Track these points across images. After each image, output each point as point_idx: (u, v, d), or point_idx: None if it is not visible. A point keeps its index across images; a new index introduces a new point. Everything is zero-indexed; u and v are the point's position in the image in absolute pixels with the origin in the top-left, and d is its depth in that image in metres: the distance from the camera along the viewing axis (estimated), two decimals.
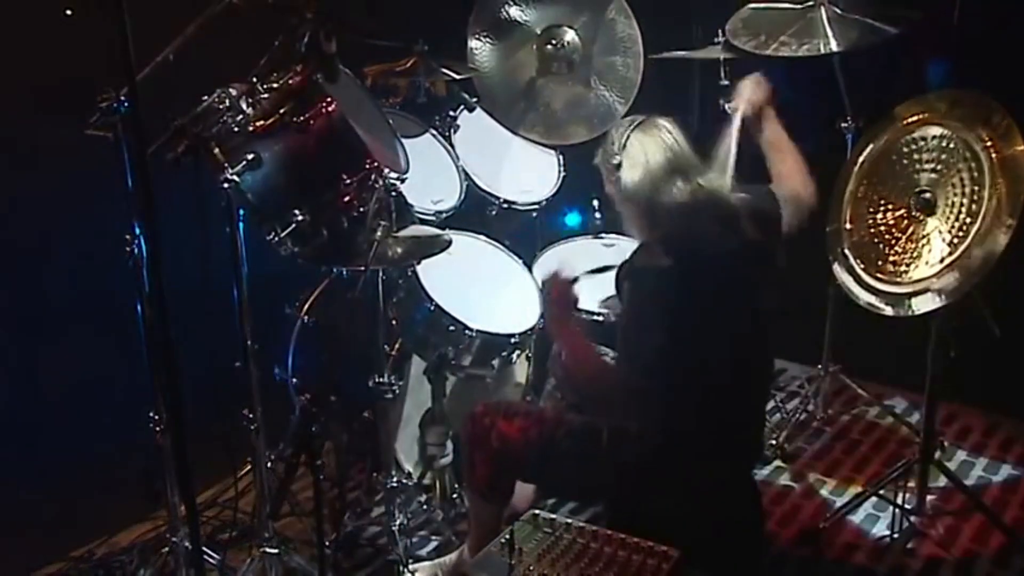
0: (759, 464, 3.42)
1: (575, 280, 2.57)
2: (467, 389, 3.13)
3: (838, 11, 3.19)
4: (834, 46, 3.09)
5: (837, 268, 2.86)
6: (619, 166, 2.42)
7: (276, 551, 2.67)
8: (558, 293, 2.53)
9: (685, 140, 2.44)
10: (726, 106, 3.57)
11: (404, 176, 2.75)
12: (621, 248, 3.26)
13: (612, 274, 3.13)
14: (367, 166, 2.47)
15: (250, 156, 2.35)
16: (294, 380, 3.07)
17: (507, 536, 2.02)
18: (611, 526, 2.17)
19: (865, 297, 2.79)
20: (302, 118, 2.40)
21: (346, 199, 2.47)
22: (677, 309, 2.29)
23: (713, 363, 2.32)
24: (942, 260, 2.64)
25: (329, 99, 2.43)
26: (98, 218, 2.48)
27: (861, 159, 2.85)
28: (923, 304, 2.65)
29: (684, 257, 2.33)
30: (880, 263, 2.77)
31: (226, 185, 2.32)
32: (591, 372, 2.50)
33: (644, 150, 2.41)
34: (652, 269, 2.35)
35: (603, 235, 3.35)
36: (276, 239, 2.42)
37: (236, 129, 2.37)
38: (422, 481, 3.10)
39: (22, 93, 2.77)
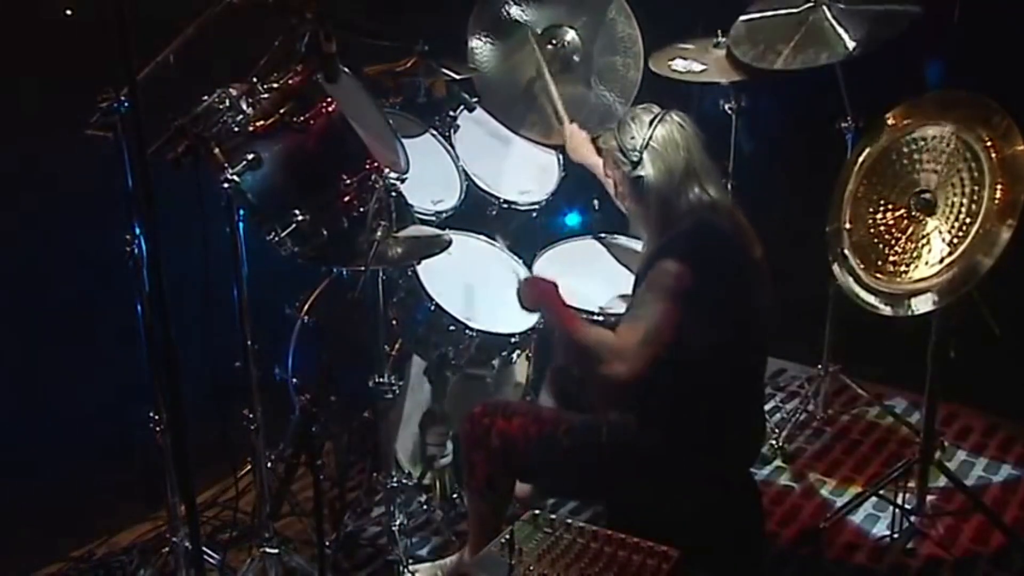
0: (759, 464, 3.42)
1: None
2: (467, 389, 3.13)
3: (841, 6, 3.20)
4: (849, 43, 3.11)
5: (837, 268, 2.86)
6: (638, 162, 2.39)
7: (276, 551, 2.66)
8: (540, 291, 2.52)
9: (700, 142, 2.43)
10: (726, 107, 3.59)
11: (404, 176, 2.75)
12: (621, 247, 3.27)
13: (610, 276, 3.16)
14: (367, 166, 2.47)
15: (250, 156, 2.35)
16: (294, 380, 3.07)
17: (507, 536, 2.02)
18: (611, 526, 2.17)
19: (865, 297, 2.79)
20: (302, 118, 2.40)
21: (346, 199, 2.47)
22: (705, 297, 2.28)
23: (726, 362, 2.33)
24: (942, 260, 2.64)
25: (329, 99, 2.43)
26: (98, 218, 2.48)
27: (861, 159, 2.85)
28: (923, 304, 2.65)
29: (706, 254, 2.33)
30: (880, 263, 2.77)
31: (226, 185, 2.33)
32: (594, 350, 2.39)
33: (667, 148, 2.37)
34: (692, 250, 2.32)
35: (603, 235, 3.35)
36: (276, 239, 2.42)
37: (236, 129, 2.37)
38: (422, 481, 3.10)
39: (22, 93, 2.77)
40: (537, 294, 2.56)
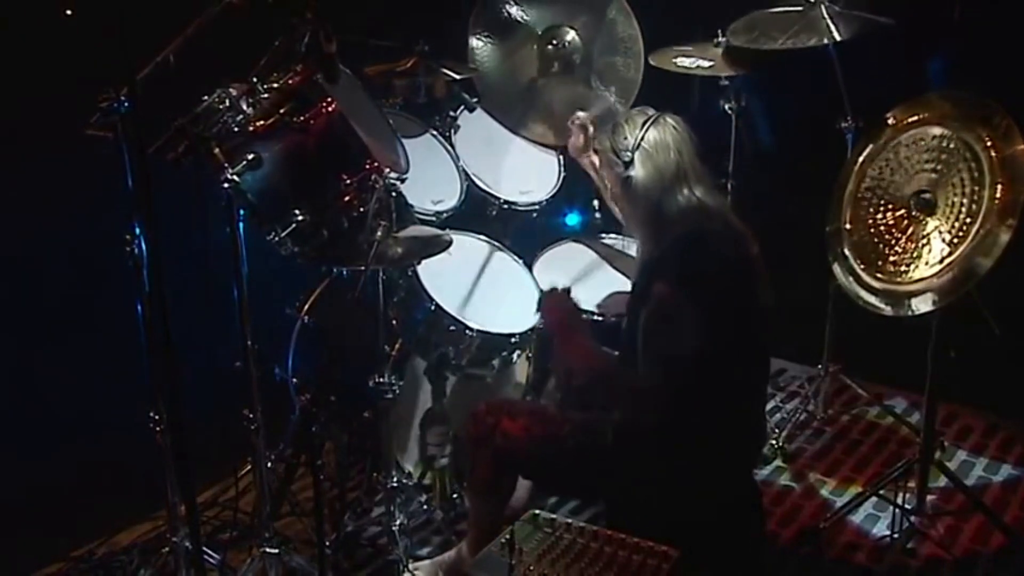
0: (759, 464, 3.42)
1: (568, 292, 2.56)
2: (467, 389, 3.13)
3: (836, 8, 3.22)
4: (836, 37, 3.14)
5: (837, 268, 2.86)
6: (630, 163, 2.40)
7: (276, 551, 2.66)
8: (558, 315, 2.52)
9: (692, 144, 2.43)
10: (726, 107, 3.59)
11: (404, 176, 2.75)
12: (621, 247, 3.27)
13: (607, 275, 3.16)
14: (367, 166, 2.47)
15: (250, 156, 2.35)
16: (294, 380, 3.07)
17: (507, 536, 2.02)
18: (611, 526, 2.17)
19: (865, 297, 2.79)
20: (302, 118, 2.41)
21: (346, 199, 2.47)
22: (708, 310, 2.28)
23: (729, 364, 2.32)
24: (942, 260, 2.64)
25: (329, 99, 2.43)
26: (98, 218, 2.48)
27: (861, 159, 2.85)
28: (923, 304, 2.65)
29: (703, 259, 2.33)
30: (880, 263, 2.77)
31: (226, 185, 2.33)
32: (605, 377, 2.47)
33: (657, 149, 2.37)
34: (685, 267, 2.32)
35: (603, 235, 3.35)
36: (276, 239, 2.42)
37: (236, 129, 2.37)
38: (422, 481, 3.10)
39: (22, 93, 2.77)
40: (553, 318, 2.58)
